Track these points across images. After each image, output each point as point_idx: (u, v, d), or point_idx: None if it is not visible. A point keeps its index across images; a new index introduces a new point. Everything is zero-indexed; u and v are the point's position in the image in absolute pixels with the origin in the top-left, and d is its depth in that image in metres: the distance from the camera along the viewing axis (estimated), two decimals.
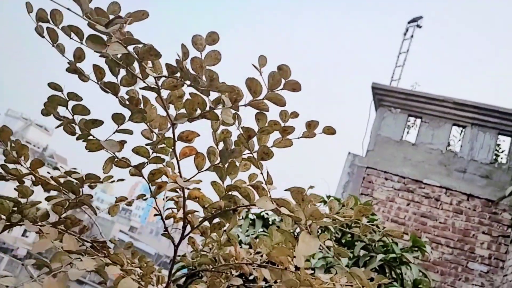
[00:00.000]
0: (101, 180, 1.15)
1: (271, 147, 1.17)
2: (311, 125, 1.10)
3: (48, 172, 1.52)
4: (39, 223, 1.11)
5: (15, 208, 1.07)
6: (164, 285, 1.62)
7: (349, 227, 3.29)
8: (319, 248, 1.03)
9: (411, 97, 7.55)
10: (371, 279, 1.22)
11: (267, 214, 3.60)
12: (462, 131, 7.54)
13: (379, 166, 7.54)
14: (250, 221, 3.48)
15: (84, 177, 1.12)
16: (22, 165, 1.33)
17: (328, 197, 3.79)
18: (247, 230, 3.37)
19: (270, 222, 3.58)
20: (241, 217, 3.56)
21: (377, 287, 1.27)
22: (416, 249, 3.10)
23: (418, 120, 7.70)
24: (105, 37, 0.90)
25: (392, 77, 8.18)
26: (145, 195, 1.56)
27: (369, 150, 7.72)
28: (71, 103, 1.08)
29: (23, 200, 1.08)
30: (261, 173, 1.14)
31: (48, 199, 1.15)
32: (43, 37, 1.17)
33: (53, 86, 1.06)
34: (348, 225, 3.28)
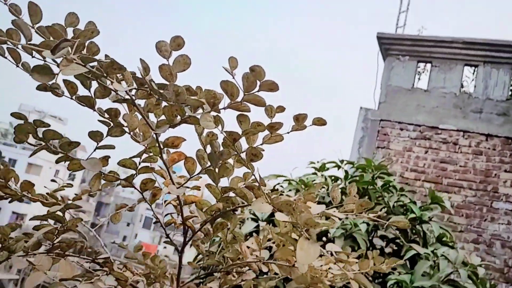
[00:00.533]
0: (82, 208, 1.09)
1: (261, 144, 1.10)
2: (299, 119, 1.02)
3: (45, 187, 1.47)
4: (31, 254, 1.07)
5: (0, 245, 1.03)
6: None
7: (366, 190, 3.24)
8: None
9: (419, 42, 7.29)
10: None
11: (281, 186, 3.56)
12: (474, 70, 7.29)
13: (393, 117, 7.39)
14: None
15: (65, 206, 1.07)
16: (12, 189, 1.29)
17: (342, 161, 3.72)
18: None
19: (285, 193, 3.54)
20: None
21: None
22: (435, 205, 3.04)
23: (428, 65, 7.46)
24: (59, 59, 0.82)
25: (397, 24, 7.88)
26: (144, 199, 1.52)
27: (381, 102, 7.55)
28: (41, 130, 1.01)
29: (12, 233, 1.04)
30: (253, 174, 1.07)
31: (36, 228, 1.10)
32: (5, 57, 1.10)
33: (17, 115, 0.99)
34: (364, 188, 3.23)
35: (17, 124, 0.98)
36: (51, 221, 1.21)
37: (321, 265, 1.19)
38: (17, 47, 1.04)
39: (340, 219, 1.10)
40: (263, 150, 1.13)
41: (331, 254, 1.22)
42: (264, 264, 1.34)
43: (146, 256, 1.71)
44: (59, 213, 1.07)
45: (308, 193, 1.19)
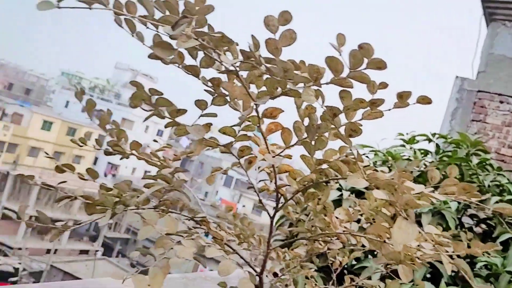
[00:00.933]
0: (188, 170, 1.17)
1: (360, 120, 1.09)
2: (403, 96, 0.99)
3: (148, 146, 1.60)
4: (141, 208, 1.18)
5: (118, 199, 1.15)
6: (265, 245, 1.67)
7: (459, 167, 3.08)
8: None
9: None
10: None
11: (367, 157, 3.50)
12: None
13: (493, 89, 6.84)
14: None
15: (174, 170, 1.16)
16: (122, 148, 1.41)
17: (433, 134, 3.54)
18: None
19: (372, 164, 3.48)
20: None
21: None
22: None
23: None
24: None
25: None
26: (239, 163, 1.59)
27: (480, 72, 7.00)
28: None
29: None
30: (350, 150, 1.08)
31: (147, 186, 1.21)
32: (122, 27, 1.18)
33: (134, 83, 1.08)
34: (457, 165, 3.07)
35: (134, 91, 1.07)
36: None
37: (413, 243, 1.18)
38: (134, 18, 1.12)
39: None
40: (361, 125, 1.13)
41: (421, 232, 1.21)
42: (353, 236, 1.36)
43: (236, 217, 1.81)
44: (169, 174, 1.17)
45: (404, 171, 1.17)
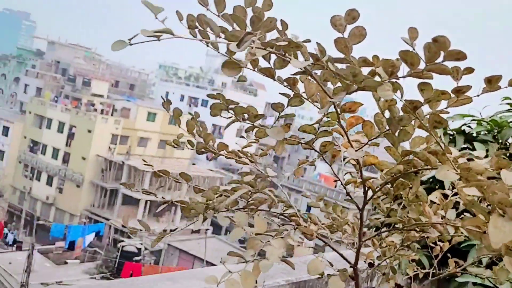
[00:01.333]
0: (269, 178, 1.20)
1: (446, 108, 1.02)
2: (491, 81, 0.91)
3: (236, 143, 1.65)
4: (230, 210, 1.24)
5: (208, 204, 1.21)
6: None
7: None
8: None
9: None
10: None
11: (469, 127, 3.24)
12: None
13: None
14: (450, 138, 3.20)
15: (256, 176, 1.19)
16: (211, 150, 1.49)
17: None
18: None
19: (474, 135, 3.23)
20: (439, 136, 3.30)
21: None
22: None
23: None
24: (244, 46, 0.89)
25: None
26: (324, 160, 1.58)
27: None
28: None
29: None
30: (436, 141, 1.02)
31: (234, 189, 1.27)
32: (198, 39, 1.23)
33: (212, 96, 1.12)
34: None
35: (213, 102, 1.12)
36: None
37: None
38: (206, 30, 1.16)
39: None
40: (448, 113, 1.06)
41: None
42: (450, 226, 1.29)
43: (328, 205, 1.81)
44: (252, 180, 1.21)
45: (504, 154, 1.08)
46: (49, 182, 42.90)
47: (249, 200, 1.30)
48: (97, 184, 40.43)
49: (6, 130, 46.13)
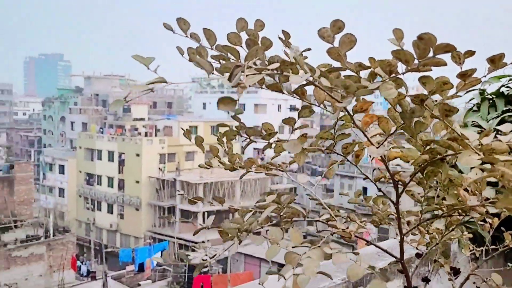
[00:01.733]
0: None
1: (456, 93, 1.00)
2: (494, 60, 0.88)
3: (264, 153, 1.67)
4: (264, 227, 1.26)
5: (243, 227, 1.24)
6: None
7: None
8: None
9: None
10: None
11: (508, 87, 3.09)
12: None
13: None
14: (489, 103, 3.06)
15: (277, 195, 1.21)
16: (237, 168, 1.51)
17: None
18: (488, 114, 2.99)
19: None
20: (475, 100, 3.16)
21: None
22: None
23: None
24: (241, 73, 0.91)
25: None
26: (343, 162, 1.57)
27: None
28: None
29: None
30: (451, 128, 0.99)
31: (263, 207, 1.29)
32: (201, 68, 1.26)
33: (222, 125, 1.15)
34: None
35: (224, 130, 1.15)
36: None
37: None
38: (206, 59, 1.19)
39: None
40: (460, 96, 1.03)
41: None
42: (489, 206, 1.25)
43: (368, 199, 1.79)
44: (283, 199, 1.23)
45: None
46: (110, 210, 44.75)
47: (281, 214, 1.31)
48: (154, 204, 41.72)
49: (61, 168, 48.56)
